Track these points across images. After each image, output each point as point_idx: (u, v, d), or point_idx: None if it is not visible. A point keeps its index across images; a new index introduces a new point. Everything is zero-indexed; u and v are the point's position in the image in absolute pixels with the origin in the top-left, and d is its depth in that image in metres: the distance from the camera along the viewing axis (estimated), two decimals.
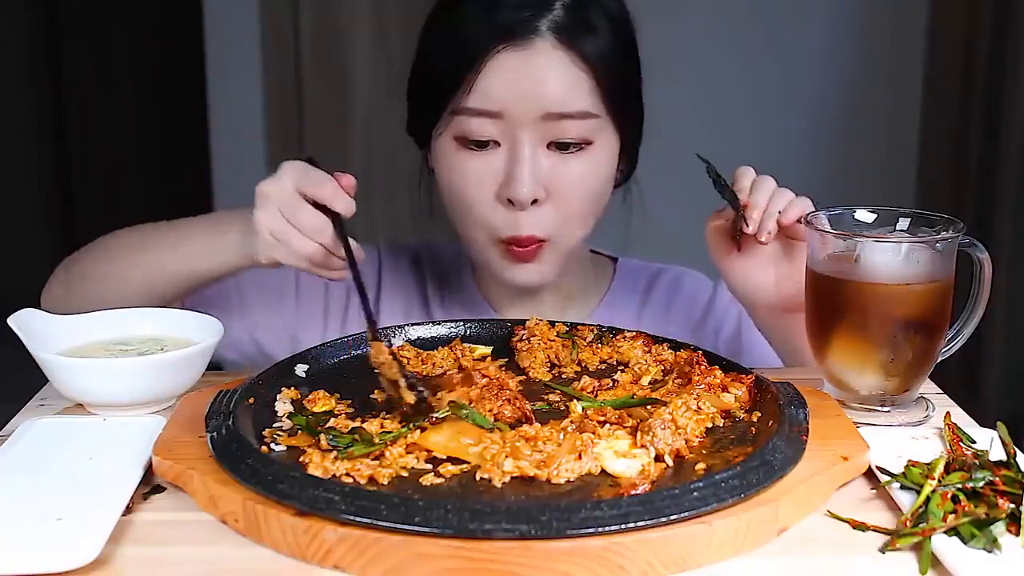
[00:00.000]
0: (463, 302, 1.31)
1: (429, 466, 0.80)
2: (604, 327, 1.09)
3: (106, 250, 1.20)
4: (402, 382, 0.89)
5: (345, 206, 1.03)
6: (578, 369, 1.02)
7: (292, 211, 1.02)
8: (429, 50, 1.19)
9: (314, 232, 1.02)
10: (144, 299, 1.13)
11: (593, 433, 0.83)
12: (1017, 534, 0.74)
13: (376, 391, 0.97)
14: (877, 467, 0.84)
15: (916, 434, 0.92)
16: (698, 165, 1.07)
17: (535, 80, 1.11)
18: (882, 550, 0.74)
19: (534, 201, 1.13)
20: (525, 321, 1.08)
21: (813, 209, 1.04)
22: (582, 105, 1.12)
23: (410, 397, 0.88)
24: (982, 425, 0.93)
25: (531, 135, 1.12)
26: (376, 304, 1.31)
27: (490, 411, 0.87)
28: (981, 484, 0.78)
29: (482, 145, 1.14)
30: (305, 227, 1.02)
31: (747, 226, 1.05)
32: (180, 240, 1.14)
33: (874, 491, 0.83)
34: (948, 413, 0.92)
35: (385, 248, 1.36)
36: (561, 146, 1.13)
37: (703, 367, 0.94)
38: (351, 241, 1.03)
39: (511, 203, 1.13)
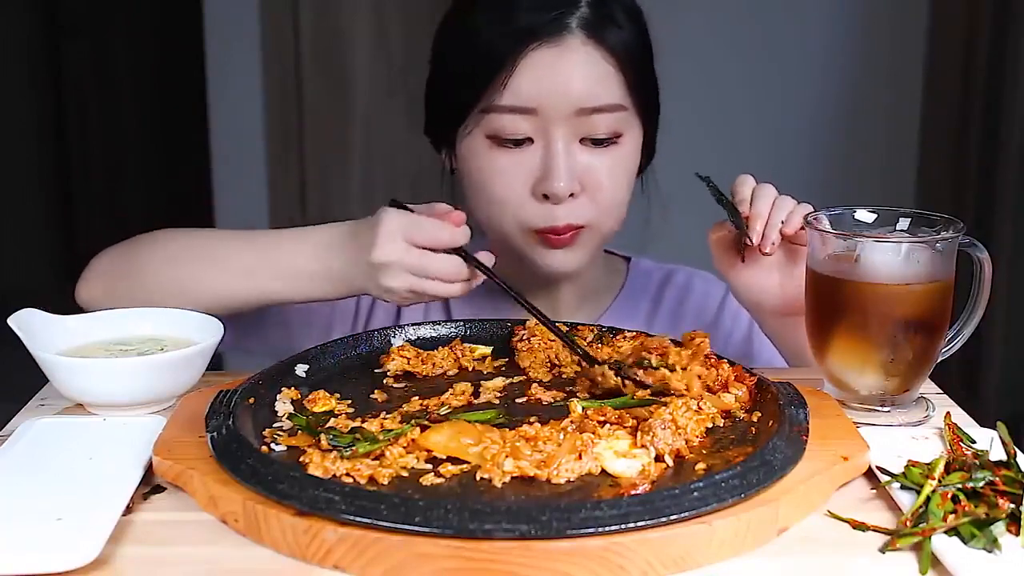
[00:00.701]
0: (483, 296, 1.30)
1: (429, 466, 0.80)
2: (604, 327, 1.09)
3: (165, 251, 1.15)
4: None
5: (464, 238, 1.04)
6: (578, 369, 1.02)
7: (423, 268, 1.02)
8: (453, 51, 1.19)
9: (453, 276, 1.03)
10: (206, 310, 1.09)
11: (593, 433, 0.83)
12: (1017, 534, 0.74)
13: (376, 391, 0.97)
14: (877, 467, 0.84)
15: (916, 434, 0.92)
16: (698, 163, 1.07)
17: (567, 76, 1.12)
18: (882, 550, 0.74)
19: (572, 195, 1.15)
20: (525, 321, 1.08)
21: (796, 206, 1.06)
22: (612, 98, 1.14)
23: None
24: (982, 425, 0.93)
25: (565, 131, 1.14)
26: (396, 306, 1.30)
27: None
28: (981, 484, 0.78)
29: (517, 143, 1.15)
30: (442, 275, 1.03)
31: (751, 240, 1.06)
32: (261, 261, 1.10)
33: (874, 491, 0.83)
34: (948, 413, 0.92)
35: None
36: (595, 141, 1.15)
37: (712, 359, 0.94)
38: (476, 257, 1.04)
39: (546, 198, 1.15)
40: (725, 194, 1.10)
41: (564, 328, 1.07)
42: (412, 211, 1.06)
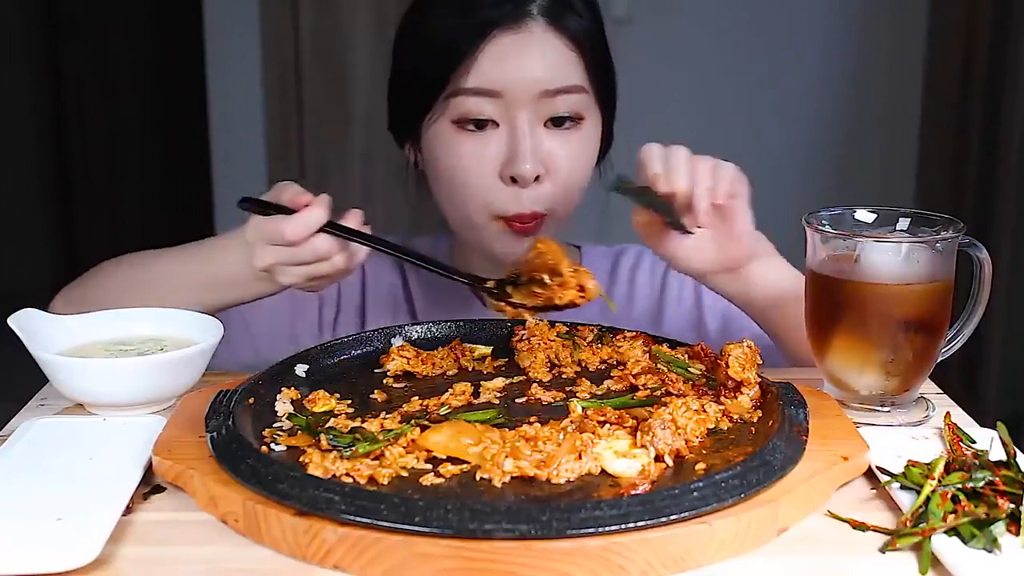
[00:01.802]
0: (448, 296, 1.32)
1: (429, 466, 0.80)
2: (604, 327, 1.09)
3: (112, 282, 1.17)
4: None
5: (318, 217, 1.02)
6: (578, 369, 1.02)
7: (299, 259, 1.03)
8: (418, 43, 1.22)
9: (328, 253, 1.03)
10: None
11: (593, 433, 0.83)
12: (1017, 534, 0.74)
13: (376, 391, 0.97)
14: (877, 467, 0.84)
15: (916, 434, 0.92)
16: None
17: (530, 59, 1.16)
18: (882, 550, 0.74)
19: (536, 179, 1.16)
20: (525, 321, 1.08)
21: (738, 173, 1.05)
22: (573, 80, 1.18)
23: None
24: (982, 425, 0.93)
25: (529, 114, 1.16)
26: (362, 306, 1.34)
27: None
28: (981, 484, 0.78)
29: (480, 126, 1.17)
30: (318, 257, 1.03)
31: (681, 226, 1.03)
32: (198, 275, 1.12)
33: (874, 491, 0.83)
34: (948, 413, 0.92)
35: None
36: (556, 122, 1.18)
37: (717, 360, 0.94)
38: (341, 224, 1.04)
39: (513, 181, 1.17)
40: (633, 182, 1.06)
41: (564, 328, 1.08)
42: (266, 203, 1.05)
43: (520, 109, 1.16)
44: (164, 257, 1.16)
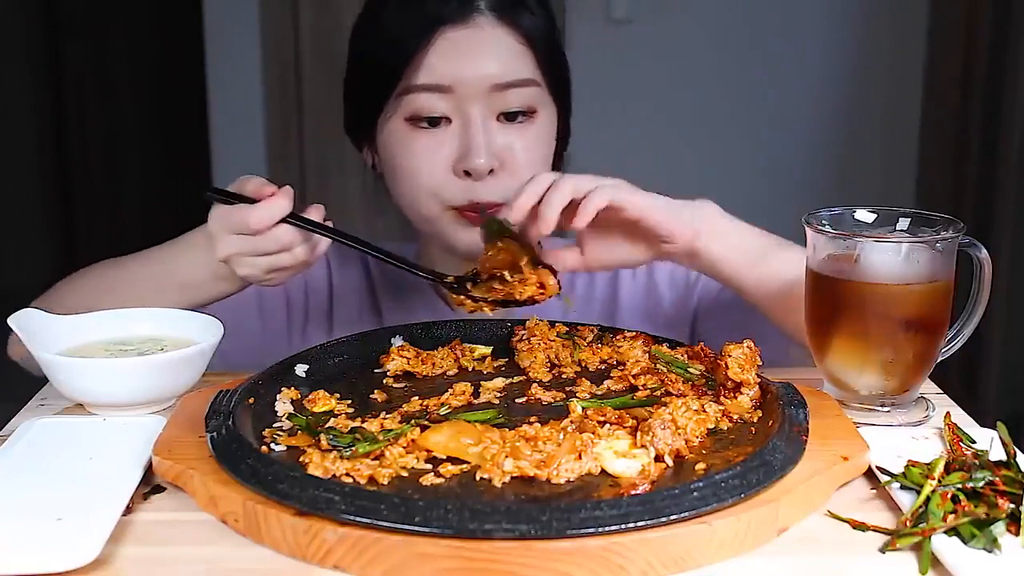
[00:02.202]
0: (415, 299, 1.32)
1: (429, 466, 0.80)
2: (604, 327, 1.09)
3: (83, 293, 1.17)
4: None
5: (280, 207, 1.02)
6: (578, 369, 1.02)
7: (260, 249, 1.03)
8: (370, 44, 1.22)
9: (289, 244, 1.03)
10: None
11: (593, 433, 0.83)
12: (1017, 534, 0.74)
13: (376, 391, 0.97)
14: (877, 467, 0.84)
15: (916, 434, 0.92)
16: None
17: (481, 53, 1.17)
18: (882, 550, 0.74)
19: (490, 172, 1.17)
20: (525, 321, 1.08)
21: (601, 179, 1.02)
22: (524, 74, 1.18)
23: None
24: (982, 425, 0.93)
25: (481, 108, 1.17)
26: (329, 309, 1.34)
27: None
28: (981, 484, 0.78)
29: (434, 123, 1.17)
30: (280, 247, 1.03)
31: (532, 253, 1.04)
32: (163, 278, 1.13)
33: (874, 491, 0.83)
34: (948, 413, 0.92)
35: (334, 255, 1.36)
36: (509, 117, 1.18)
37: (717, 360, 0.94)
38: (304, 216, 1.04)
39: (467, 175, 1.17)
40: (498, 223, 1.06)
41: (564, 328, 1.08)
42: (231, 198, 1.05)
43: (472, 104, 1.16)
44: (125, 263, 1.17)
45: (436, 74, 1.16)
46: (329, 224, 1.06)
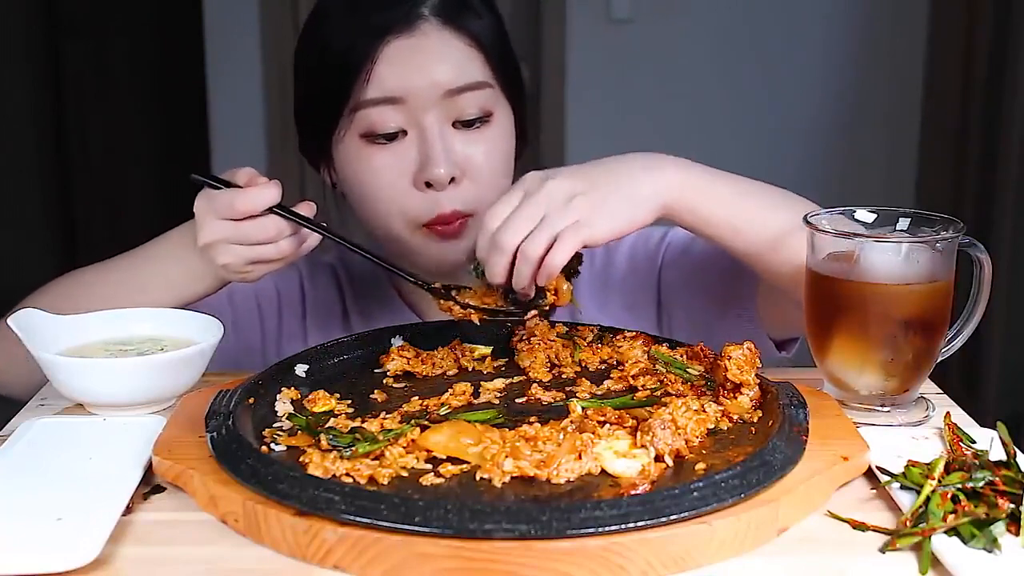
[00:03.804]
0: (384, 310, 1.29)
1: (429, 466, 0.80)
2: (604, 327, 1.09)
3: (59, 302, 1.14)
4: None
5: (270, 196, 1.02)
6: (578, 369, 1.02)
7: (244, 236, 1.02)
8: (315, 61, 1.19)
9: (275, 235, 1.02)
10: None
11: (593, 433, 0.83)
12: (1017, 534, 0.74)
13: (376, 391, 0.97)
14: (877, 467, 0.84)
15: (916, 434, 0.92)
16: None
17: (428, 60, 1.13)
18: (882, 550, 0.74)
19: (451, 181, 1.14)
20: (525, 321, 1.08)
21: (555, 230, 0.95)
22: (476, 76, 1.15)
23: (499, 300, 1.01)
24: (982, 425, 0.93)
25: (436, 116, 1.14)
26: (303, 320, 1.31)
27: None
28: (981, 484, 0.78)
29: (390, 138, 1.15)
30: (264, 238, 1.02)
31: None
32: (139, 282, 1.12)
33: (874, 491, 0.83)
34: (948, 413, 0.92)
35: (304, 265, 1.33)
36: (466, 124, 1.16)
37: (716, 361, 0.94)
38: (293, 209, 1.03)
39: (428, 187, 1.14)
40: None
41: (564, 328, 1.08)
42: (219, 184, 1.05)
43: (425, 113, 1.13)
44: (93, 268, 1.16)
45: (386, 86, 1.13)
46: (308, 210, 1.04)
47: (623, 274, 1.30)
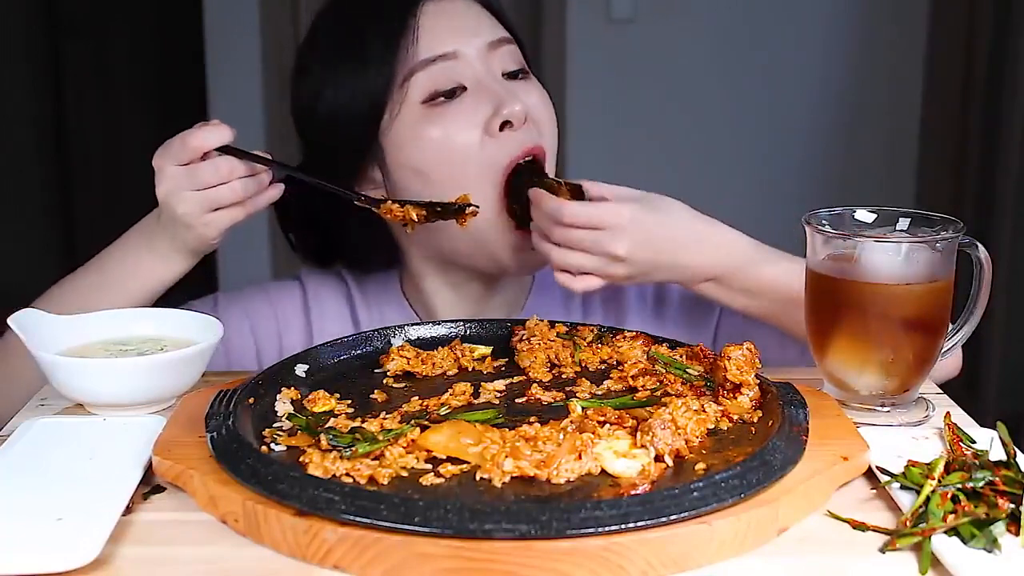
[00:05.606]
0: (396, 317, 1.27)
1: (429, 466, 0.80)
2: (604, 327, 1.09)
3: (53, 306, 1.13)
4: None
5: (221, 135, 1.07)
6: (578, 369, 1.02)
7: (198, 180, 1.05)
8: (355, 38, 1.18)
9: (228, 175, 1.05)
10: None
11: (593, 433, 0.83)
12: (1017, 534, 0.74)
13: (376, 391, 0.97)
14: (877, 467, 0.84)
15: (916, 434, 0.92)
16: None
17: (464, 17, 1.18)
18: (882, 550, 0.74)
19: (524, 121, 1.16)
20: (525, 321, 1.08)
21: (596, 265, 1.08)
22: (504, 33, 1.20)
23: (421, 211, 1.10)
24: (982, 425, 0.93)
25: (488, 66, 1.17)
26: (308, 334, 1.28)
27: None
28: (981, 484, 0.78)
29: (450, 96, 1.15)
30: (219, 178, 1.05)
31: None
32: (107, 280, 1.14)
33: (874, 491, 0.83)
34: (948, 413, 0.92)
35: (307, 275, 1.31)
36: (510, 76, 1.19)
37: (716, 361, 0.93)
38: (249, 151, 1.07)
39: (501, 131, 1.14)
40: None
41: (565, 328, 1.08)
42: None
43: (479, 63, 1.16)
44: (71, 278, 1.17)
45: (436, 43, 1.15)
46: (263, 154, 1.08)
47: (675, 312, 1.31)
